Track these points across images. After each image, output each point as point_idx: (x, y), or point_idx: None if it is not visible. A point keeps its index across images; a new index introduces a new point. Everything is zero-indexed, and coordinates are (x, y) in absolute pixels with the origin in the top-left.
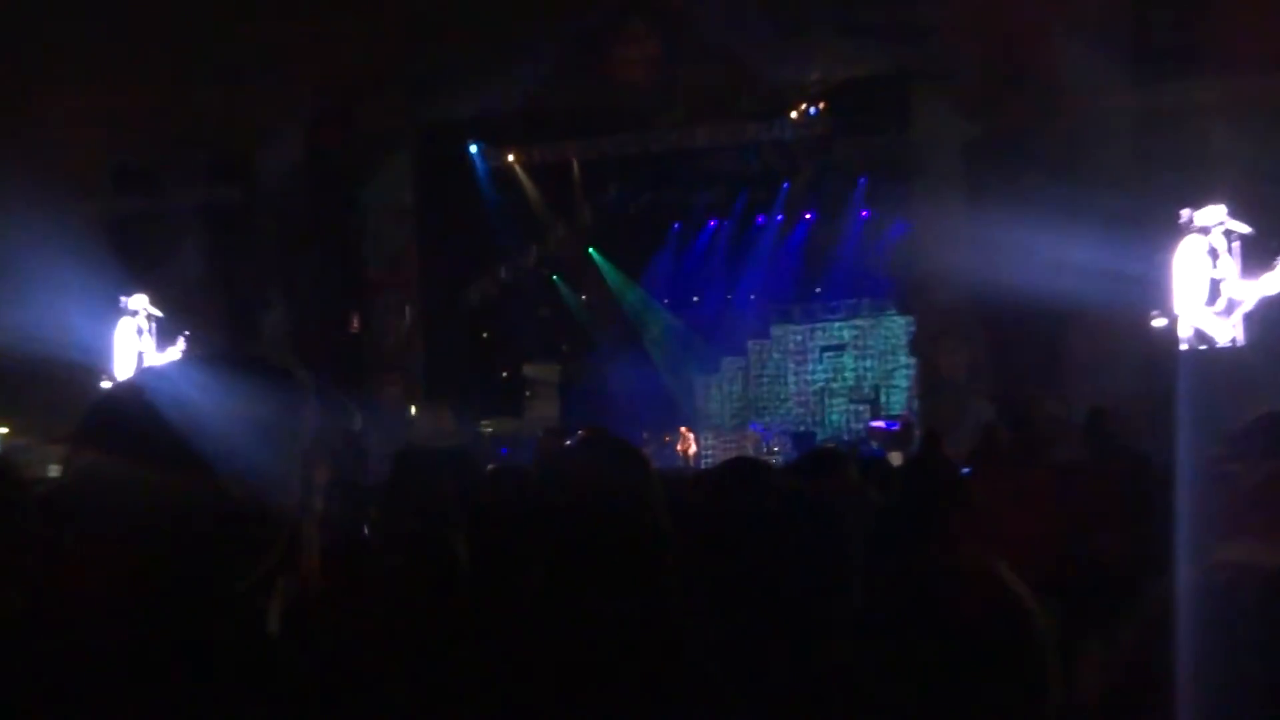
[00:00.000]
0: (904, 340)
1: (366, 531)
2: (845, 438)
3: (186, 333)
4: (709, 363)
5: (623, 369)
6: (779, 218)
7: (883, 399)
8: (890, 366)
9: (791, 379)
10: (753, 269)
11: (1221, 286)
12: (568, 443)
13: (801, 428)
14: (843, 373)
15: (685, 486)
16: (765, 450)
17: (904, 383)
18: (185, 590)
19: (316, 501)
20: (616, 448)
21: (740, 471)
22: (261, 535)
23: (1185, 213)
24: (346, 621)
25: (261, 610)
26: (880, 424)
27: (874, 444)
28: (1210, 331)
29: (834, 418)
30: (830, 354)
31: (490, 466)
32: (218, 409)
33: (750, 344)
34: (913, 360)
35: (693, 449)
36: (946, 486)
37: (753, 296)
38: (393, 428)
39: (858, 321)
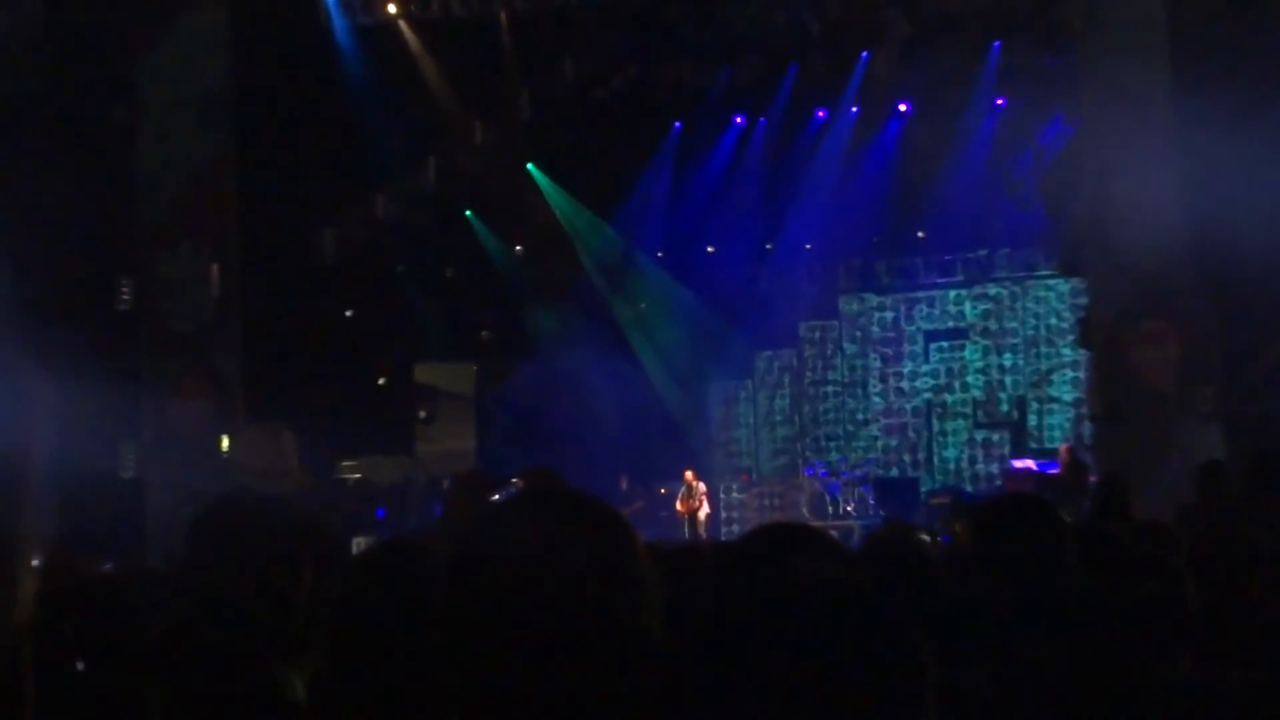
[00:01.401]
0: (1068, 321)
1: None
2: (965, 490)
3: None
4: (733, 360)
5: (586, 371)
6: (853, 110)
7: (1032, 421)
8: (1045, 365)
9: (875, 386)
10: (808, 200)
11: None
12: (494, 499)
13: (892, 470)
14: (963, 375)
15: (693, 572)
16: (829, 508)
17: (1068, 393)
18: None
19: None
20: (576, 509)
21: (780, 547)
22: None
23: None
24: None
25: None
26: (1028, 464)
27: None
28: None
29: (949, 453)
30: (942, 344)
31: (358, 542)
32: None
33: (804, 328)
34: (1083, 355)
35: (704, 508)
36: (1141, 576)
37: (808, 246)
38: (188, 468)
39: (989, 289)
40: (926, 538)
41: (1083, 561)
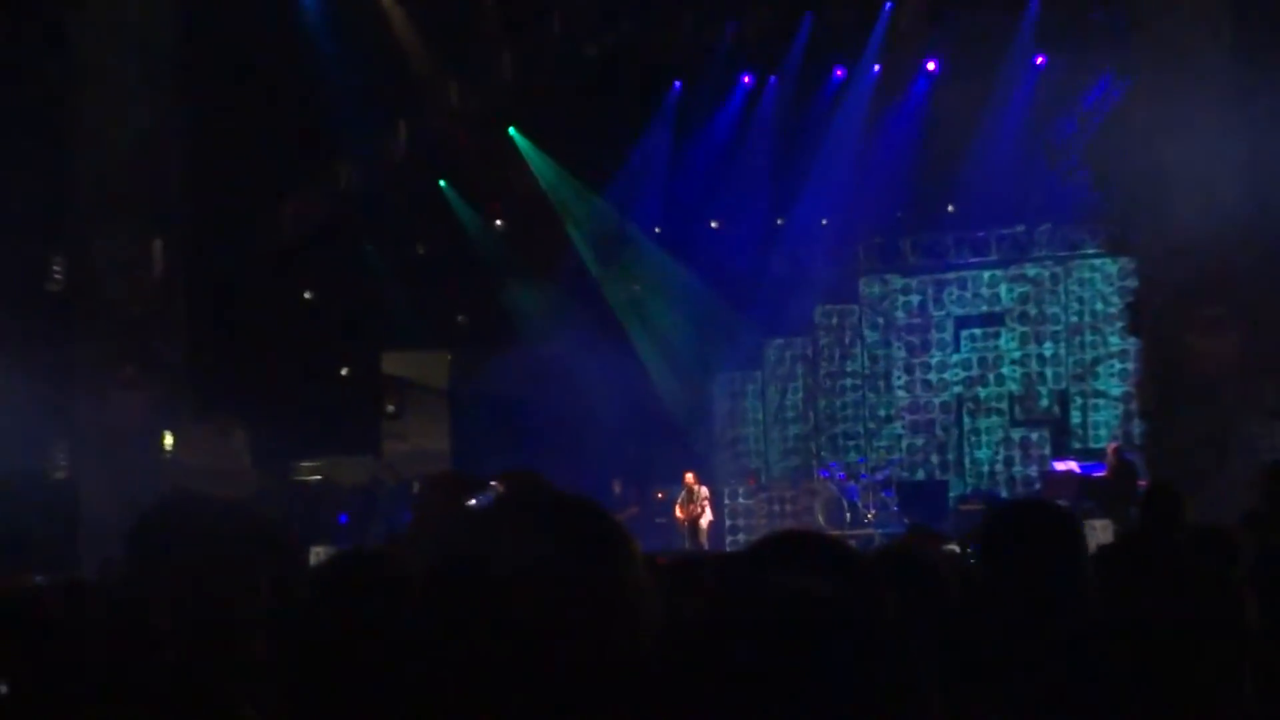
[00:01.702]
0: (1116, 305)
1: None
2: (1000, 495)
3: None
4: (740, 349)
5: (574, 361)
6: (875, 69)
7: (1075, 417)
8: (1090, 355)
9: (899, 378)
10: (824, 170)
11: None
12: (471, 503)
13: (918, 473)
14: (998, 367)
15: (693, 586)
16: (847, 515)
17: (1115, 386)
18: None
19: None
20: (567, 516)
21: (788, 560)
22: None
23: None
24: None
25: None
26: (1070, 466)
27: (1059, 503)
28: None
29: (981, 454)
30: (975, 331)
31: (318, 552)
32: None
33: (820, 314)
34: (1132, 344)
35: (706, 515)
36: (1195, 592)
37: (824, 221)
38: (128, 469)
39: (1027, 269)
40: (955, 549)
41: (1129, 576)
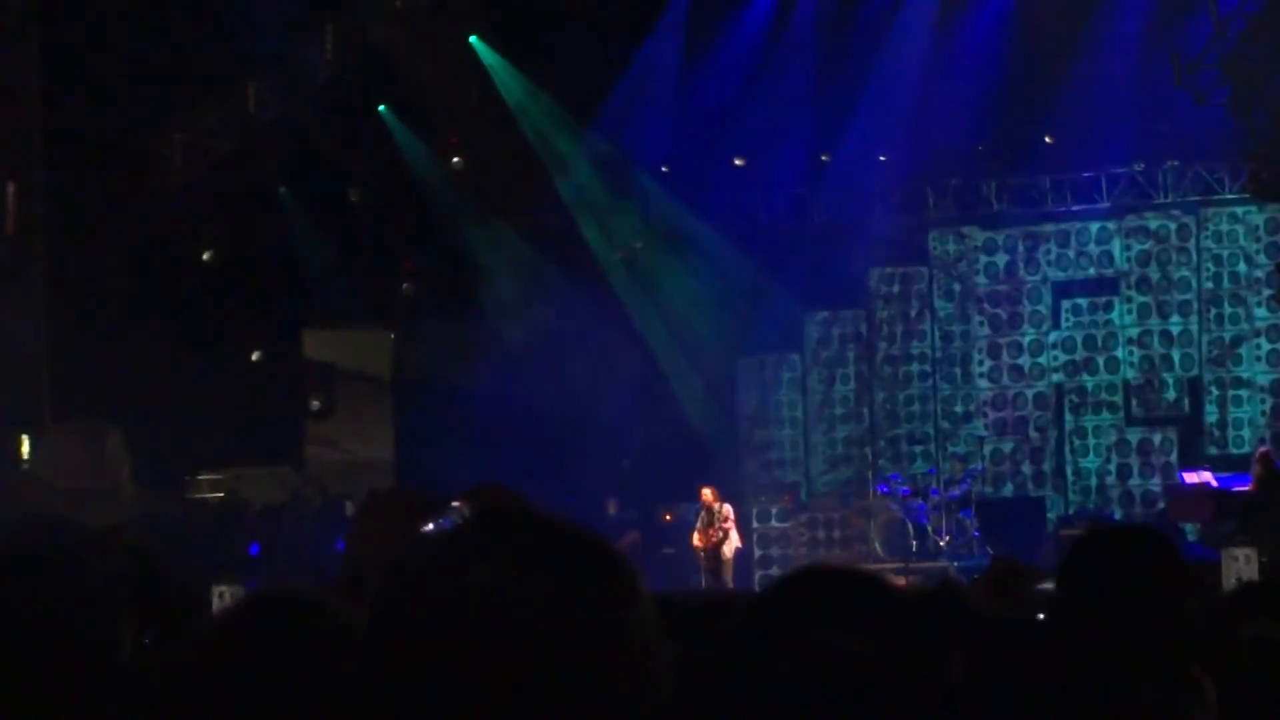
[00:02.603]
0: (1264, 267)
1: None
2: (1109, 515)
3: None
4: (773, 325)
5: (556, 343)
6: None
7: (1210, 414)
8: (1230, 333)
9: (981, 364)
10: (882, 93)
11: None
12: (427, 529)
13: (1006, 487)
14: (1110, 348)
15: (715, 635)
16: (912, 543)
17: (1263, 373)
18: None
19: None
20: (556, 544)
21: (817, 606)
22: None
23: None
24: None
25: None
26: (1204, 477)
27: (1186, 528)
28: None
29: (1089, 462)
30: (1080, 301)
31: (222, 593)
32: None
33: (876, 278)
34: None
35: (731, 541)
36: None
37: (882, 159)
38: None
39: (1148, 220)
40: (1053, 588)
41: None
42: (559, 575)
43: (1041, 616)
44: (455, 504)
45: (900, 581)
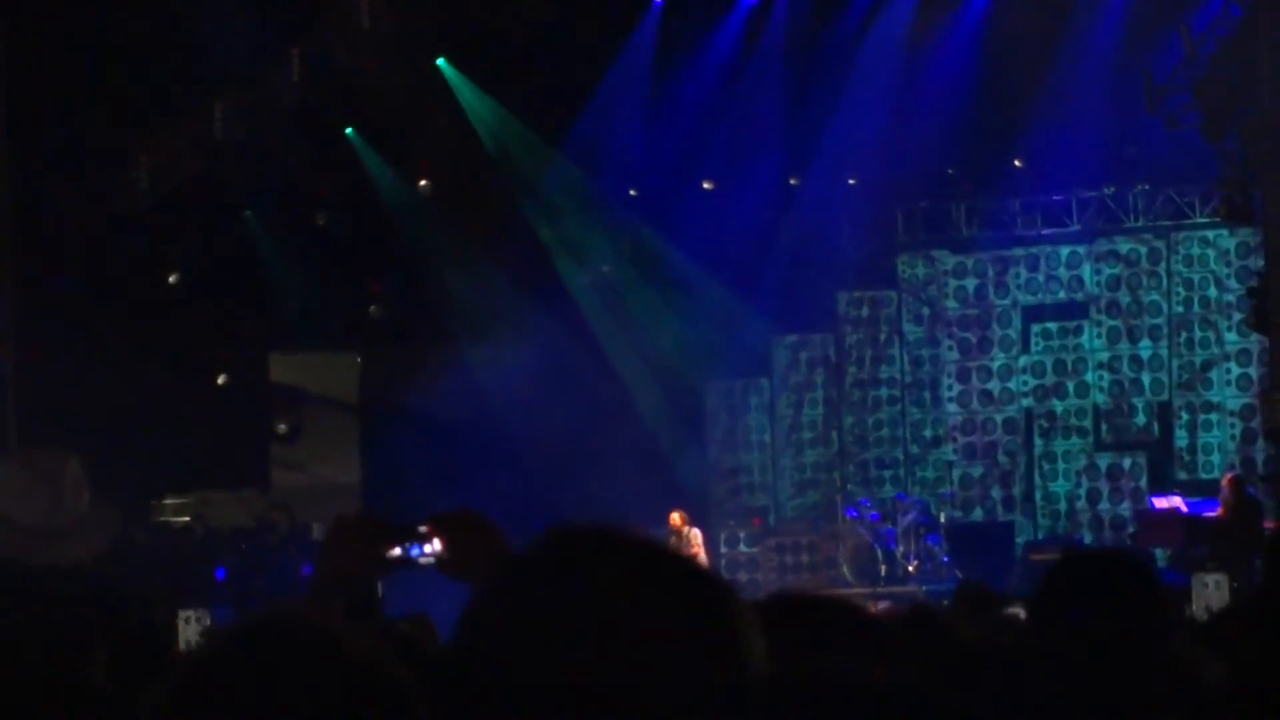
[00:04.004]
0: (1235, 292)
1: None
2: (1079, 540)
3: None
4: (742, 349)
5: (523, 365)
6: None
7: (1180, 439)
8: (1200, 358)
9: (950, 388)
10: (852, 114)
11: None
12: (393, 553)
13: (975, 512)
14: (1080, 373)
15: None
16: (880, 567)
17: (1233, 398)
18: None
19: None
20: (661, 567)
21: (791, 631)
22: None
23: None
24: None
25: None
26: (1174, 503)
27: (1156, 553)
28: None
29: (1058, 486)
30: (1049, 325)
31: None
32: None
33: (845, 302)
34: (1256, 342)
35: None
36: None
37: (851, 181)
38: None
39: (1119, 244)
40: (1019, 612)
41: (1252, 651)
42: (679, 601)
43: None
44: (422, 529)
45: (871, 607)
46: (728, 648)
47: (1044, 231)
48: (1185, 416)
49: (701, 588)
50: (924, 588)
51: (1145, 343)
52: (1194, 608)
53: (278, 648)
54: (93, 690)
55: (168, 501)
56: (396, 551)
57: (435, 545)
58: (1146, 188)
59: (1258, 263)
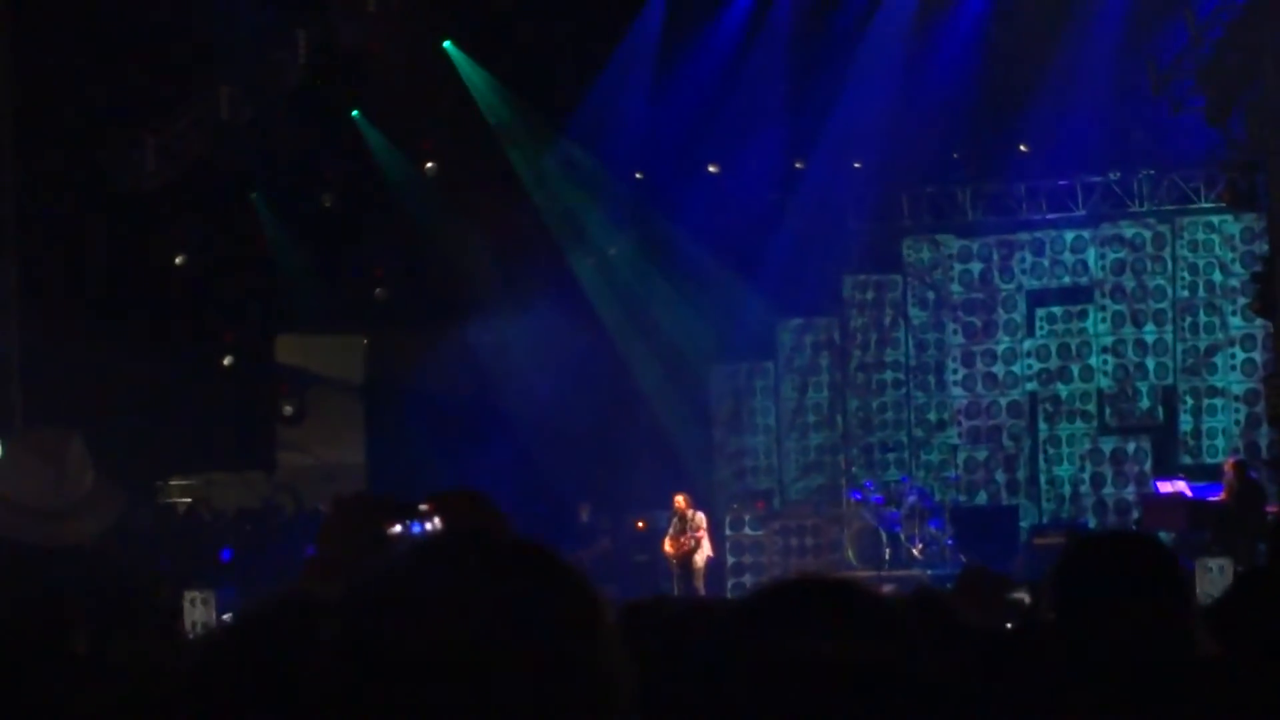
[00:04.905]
0: (1240, 277)
1: None
2: (1083, 523)
3: None
4: (746, 333)
5: (528, 348)
6: None
7: (1184, 423)
8: (1205, 342)
9: (955, 372)
10: (856, 99)
11: None
12: (392, 531)
13: (979, 495)
14: (1084, 357)
15: (686, 644)
16: (885, 551)
17: (1237, 383)
18: None
19: None
20: (518, 558)
21: (797, 614)
22: None
23: None
24: None
25: None
26: (1177, 487)
27: (1163, 535)
28: None
29: (1062, 470)
30: (1054, 310)
31: (192, 597)
32: None
33: (850, 286)
34: (1260, 327)
35: (704, 549)
36: None
37: (856, 165)
38: None
39: (1123, 229)
40: (1024, 597)
41: (1254, 633)
42: (523, 600)
43: (1010, 625)
44: (423, 508)
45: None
46: (589, 649)
47: (1049, 216)
48: (1189, 401)
49: (550, 581)
50: (929, 571)
51: (1150, 327)
52: (1198, 592)
53: (290, 631)
54: (73, 656)
55: (173, 483)
56: (397, 529)
57: (436, 523)
58: (1151, 172)
59: (1262, 247)
